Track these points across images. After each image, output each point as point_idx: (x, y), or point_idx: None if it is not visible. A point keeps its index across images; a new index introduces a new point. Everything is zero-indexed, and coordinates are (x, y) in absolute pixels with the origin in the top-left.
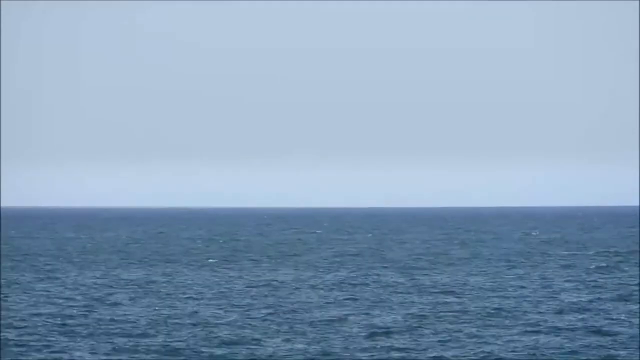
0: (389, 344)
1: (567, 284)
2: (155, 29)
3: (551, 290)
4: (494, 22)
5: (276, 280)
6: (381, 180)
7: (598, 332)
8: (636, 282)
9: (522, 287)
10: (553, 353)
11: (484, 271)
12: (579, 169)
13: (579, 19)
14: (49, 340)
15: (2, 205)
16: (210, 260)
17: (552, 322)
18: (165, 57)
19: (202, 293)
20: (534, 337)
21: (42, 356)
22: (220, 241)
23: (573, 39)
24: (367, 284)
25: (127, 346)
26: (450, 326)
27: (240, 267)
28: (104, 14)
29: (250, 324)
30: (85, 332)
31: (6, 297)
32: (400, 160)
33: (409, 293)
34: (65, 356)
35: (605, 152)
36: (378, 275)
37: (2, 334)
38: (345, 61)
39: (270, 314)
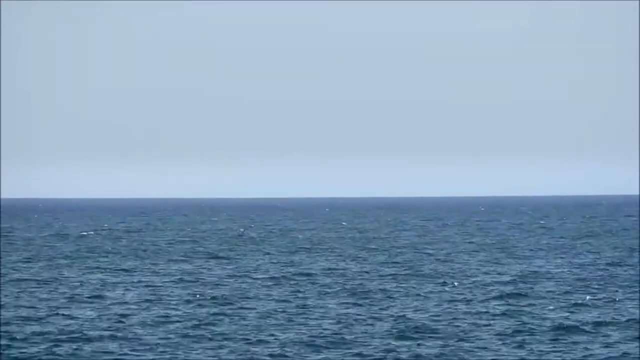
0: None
1: None
2: (156, 29)
3: None
4: (495, 23)
5: None
6: (388, 179)
7: None
8: None
9: None
10: None
11: None
12: (578, 168)
13: (580, 19)
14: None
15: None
16: None
17: None
18: (165, 57)
19: None
20: None
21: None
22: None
23: (574, 40)
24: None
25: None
26: None
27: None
28: (103, 14)
29: None
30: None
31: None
32: (407, 159)
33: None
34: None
35: (606, 151)
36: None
37: (1, 328)
38: (345, 61)
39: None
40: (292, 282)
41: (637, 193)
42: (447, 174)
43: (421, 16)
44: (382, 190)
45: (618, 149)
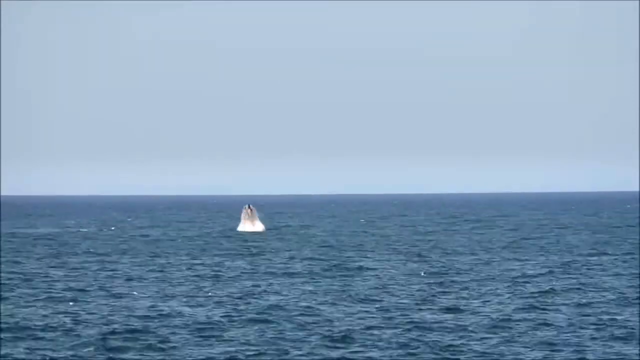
0: None
1: None
2: (156, 29)
3: None
4: (495, 23)
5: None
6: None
7: None
8: None
9: None
10: None
11: None
12: (578, 168)
13: (580, 19)
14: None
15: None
16: None
17: None
18: (165, 57)
19: None
20: None
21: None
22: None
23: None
24: None
25: None
26: None
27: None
28: (103, 14)
29: None
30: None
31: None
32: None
33: None
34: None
35: (606, 151)
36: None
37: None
38: (345, 61)
39: None
40: (325, 279)
41: (637, 193)
42: (447, 173)
43: (421, 16)
44: (381, 188)
45: (618, 149)
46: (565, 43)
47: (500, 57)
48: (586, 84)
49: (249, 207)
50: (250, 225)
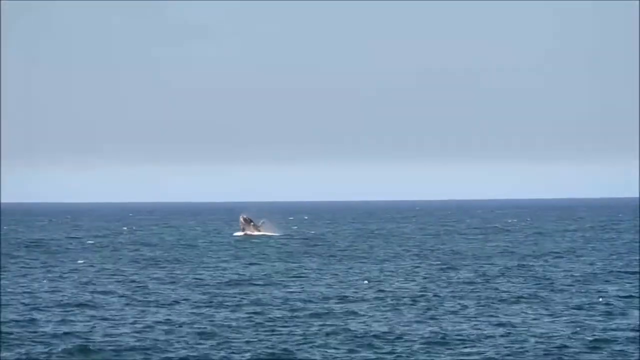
0: None
1: None
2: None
3: None
4: (497, 24)
5: None
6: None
7: None
8: None
9: None
10: None
11: None
12: (577, 169)
13: (579, 19)
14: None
15: (2, 201)
16: None
17: None
18: (167, 56)
19: None
20: None
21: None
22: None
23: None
24: None
25: None
26: None
27: None
28: (102, 13)
29: None
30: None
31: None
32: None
33: None
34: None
35: (605, 152)
36: None
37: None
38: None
39: None
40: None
41: (637, 195)
42: (444, 177)
43: (420, 15)
44: (384, 194)
45: (618, 150)
46: (565, 43)
47: (500, 61)
48: (586, 83)
49: (243, 218)
50: (248, 230)
